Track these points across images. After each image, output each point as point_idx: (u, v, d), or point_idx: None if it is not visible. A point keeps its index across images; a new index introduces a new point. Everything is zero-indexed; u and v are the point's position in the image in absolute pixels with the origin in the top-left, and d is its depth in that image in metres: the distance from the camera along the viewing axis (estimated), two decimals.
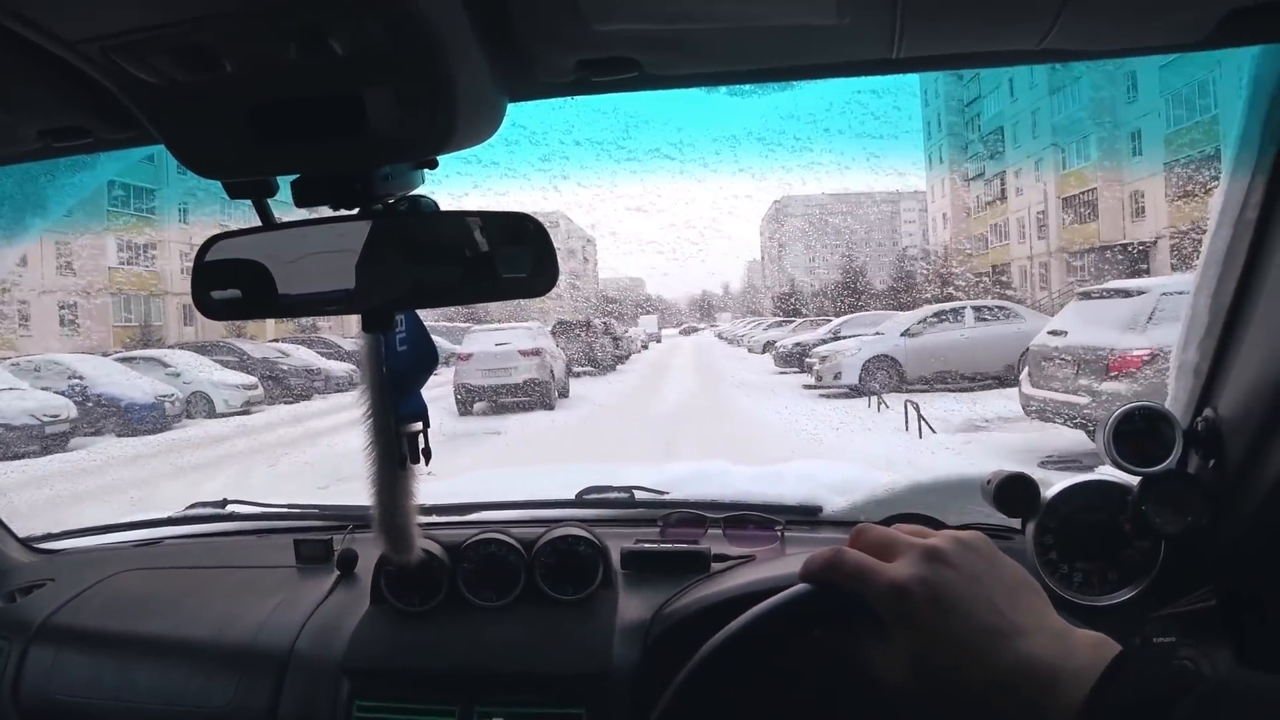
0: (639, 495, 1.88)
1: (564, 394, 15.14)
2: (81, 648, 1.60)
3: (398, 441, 1.19)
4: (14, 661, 1.61)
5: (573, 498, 1.88)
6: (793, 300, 31.43)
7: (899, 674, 0.70)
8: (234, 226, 1.07)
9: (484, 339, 14.70)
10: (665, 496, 1.87)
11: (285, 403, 16.51)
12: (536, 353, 14.26)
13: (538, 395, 14.09)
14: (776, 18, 0.85)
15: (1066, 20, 0.85)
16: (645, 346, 27.30)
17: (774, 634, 0.84)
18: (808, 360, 15.30)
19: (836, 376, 13.73)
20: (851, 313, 20.25)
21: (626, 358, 21.77)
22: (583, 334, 19.10)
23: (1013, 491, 1.47)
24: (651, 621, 1.44)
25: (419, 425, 1.21)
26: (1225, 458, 1.31)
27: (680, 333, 37.34)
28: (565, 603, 1.51)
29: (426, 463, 1.22)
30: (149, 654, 1.57)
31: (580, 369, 18.02)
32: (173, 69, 0.79)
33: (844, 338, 15.88)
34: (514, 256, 1.06)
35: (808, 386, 14.54)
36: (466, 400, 14.23)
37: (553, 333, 16.76)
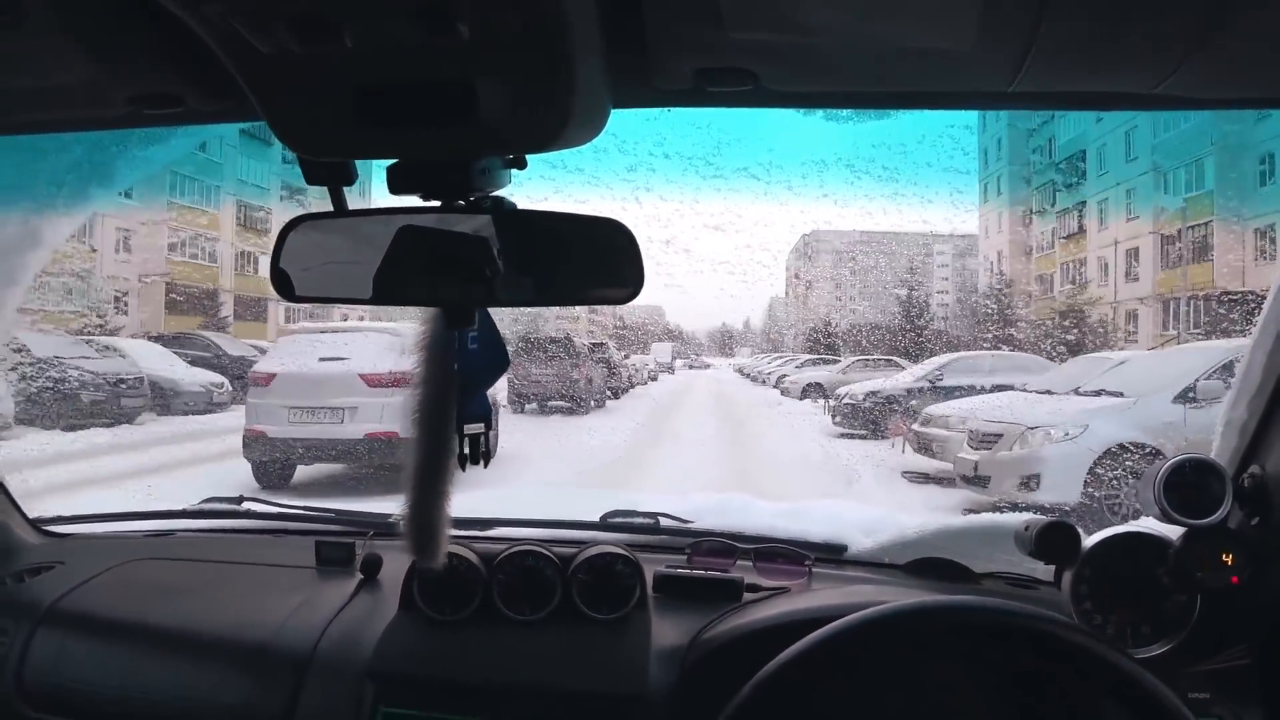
0: (664, 522, 1.86)
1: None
2: (90, 634, 1.56)
3: (460, 442, 1.18)
4: (19, 644, 1.56)
5: (597, 520, 1.86)
6: (829, 337, 28.30)
7: None
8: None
9: (305, 349, 8.71)
10: (690, 525, 1.86)
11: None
12: (395, 383, 7.62)
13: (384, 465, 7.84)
14: (911, 40, 0.86)
15: (1191, 65, 0.86)
16: (653, 377, 24.97)
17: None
18: (921, 431, 9.23)
19: (1027, 483, 7.13)
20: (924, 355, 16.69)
21: (626, 390, 18.75)
22: (560, 356, 14.25)
23: (1053, 538, 1.46)
24: (689, 647, 1.43)
25: (480, 426, 1.19)
26: (1270, 515, 1.32)
27: (686, 367, 35.38)
28: (600, 621, 1.49)
29: (485, 464, 1.20)
30: (161, 645, 1.53)
31: (554, 403, 14.27)
32: (289, 39, 0.77)
33: (948, 388, 11.22)
34: (600, 261, 1.06)
35: (916, 476, 9.05)
36: (267, 466, 8.26)
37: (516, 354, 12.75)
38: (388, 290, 1.06)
